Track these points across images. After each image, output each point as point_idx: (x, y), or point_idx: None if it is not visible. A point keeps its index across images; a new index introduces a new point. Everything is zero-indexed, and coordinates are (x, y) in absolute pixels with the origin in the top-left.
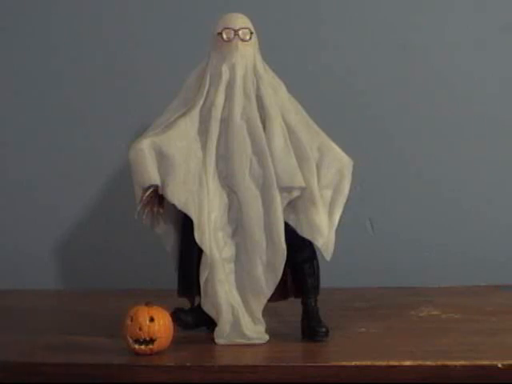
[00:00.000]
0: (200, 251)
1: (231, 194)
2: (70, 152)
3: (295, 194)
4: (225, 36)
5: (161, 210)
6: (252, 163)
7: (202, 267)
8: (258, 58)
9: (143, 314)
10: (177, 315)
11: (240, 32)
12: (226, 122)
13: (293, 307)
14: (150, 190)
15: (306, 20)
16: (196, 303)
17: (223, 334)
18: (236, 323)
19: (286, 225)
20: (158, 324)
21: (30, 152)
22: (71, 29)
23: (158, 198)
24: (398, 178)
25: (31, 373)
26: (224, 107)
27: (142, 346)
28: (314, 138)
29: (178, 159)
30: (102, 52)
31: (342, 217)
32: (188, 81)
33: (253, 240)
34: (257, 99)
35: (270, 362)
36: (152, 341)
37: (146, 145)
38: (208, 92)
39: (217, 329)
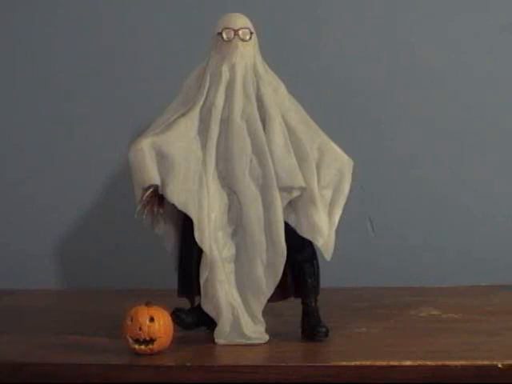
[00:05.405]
0: (200, 251)
1: (231, 194)
2: (70, 152)
3: (295, 193)
4: (225, 36)
5: (161, 210)
6: (252, 163)
7: (201, 267)
8: (258, 57)
9: (143, 314)
10: (177, 315)
11: (240, 32)
12: (225, 122)
13: (293, 307)
14: (150, 189)
15: (306, 20)
16: (196, 303)
17: (223, 334)
18: (236, 323)
19: (286, 225)
20: (158, 324)
21: (30, 152)
22: (71, 29)
23: (158, 197)
24: (398, 178)
25: (31, 373)
26: (224, 107)
27: (142, 346)
28: (314, 137)
29: (178, 159)
30: (102, 52)
31: (341, 217)
32: (188, 81)
33: (253, 240)
34: (257, 99)
35: (269, 362)
36: (152, 341)
37: (145, 145)
38: (208, 92)
39: (217, 329)
